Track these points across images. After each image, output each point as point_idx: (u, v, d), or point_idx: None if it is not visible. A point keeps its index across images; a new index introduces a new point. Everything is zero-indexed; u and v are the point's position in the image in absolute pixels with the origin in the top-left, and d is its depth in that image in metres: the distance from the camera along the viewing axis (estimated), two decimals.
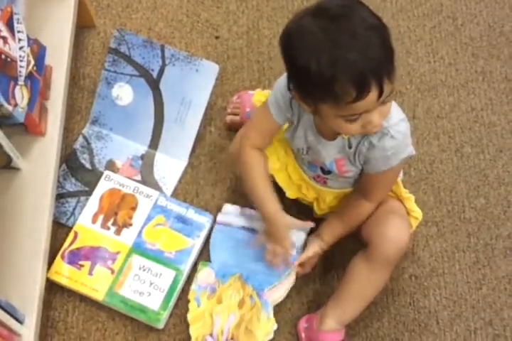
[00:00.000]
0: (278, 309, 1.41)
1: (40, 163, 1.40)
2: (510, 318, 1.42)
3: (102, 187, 1.49)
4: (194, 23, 1.72)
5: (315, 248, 1.36)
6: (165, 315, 1.39)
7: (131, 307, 1.39)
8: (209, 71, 1.55)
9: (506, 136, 1.60)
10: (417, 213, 1.36)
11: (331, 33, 1.00)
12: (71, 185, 1.52)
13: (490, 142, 1.59)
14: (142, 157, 1.56)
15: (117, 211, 1.48)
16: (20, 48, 1.33)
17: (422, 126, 1.61)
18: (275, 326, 1.37)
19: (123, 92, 1.58)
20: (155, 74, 1.57)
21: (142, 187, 1.50)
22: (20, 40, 1.33)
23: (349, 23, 1.00)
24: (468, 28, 1.73)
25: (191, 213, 1.48)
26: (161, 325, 1.39)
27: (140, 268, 1.42)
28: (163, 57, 1.57)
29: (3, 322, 1.17)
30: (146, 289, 1.41)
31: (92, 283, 1.41)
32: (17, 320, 1.23)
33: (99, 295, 1.40)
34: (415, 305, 1.44)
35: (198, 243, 1.45)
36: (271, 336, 1.37)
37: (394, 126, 1.16)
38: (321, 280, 1.45)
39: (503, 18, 1.73)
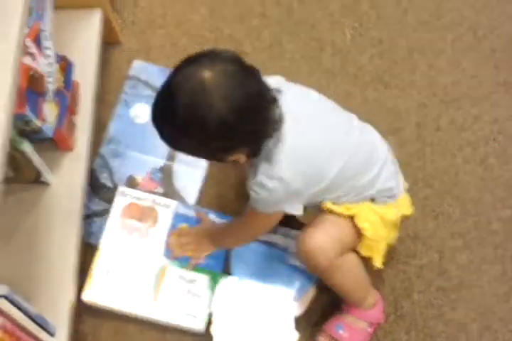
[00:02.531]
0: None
1: (68, 178, 1.42)
2: None
3: (119, 203, 1.50)
4: (217, 38, 1.73)
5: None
6: (206, 319, 1.40)
7: (170, 317, 1.40)
8: None
9: None
10: (367, 230, 1.27)
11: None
12: (96, 205, 1.53)
13: None
14: (161, 169, 1.57)
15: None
16: (48, 65, 1.35)
17: (445, 138, 1.61)
18: (297, 337, 1.39)
19: (142, 111, 1.61)
20: None
21: (159, 199, 1.51)
22: (48, 56, 1.35)
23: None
24: (490, 40, 1.73)
25: (213, 218, 1.49)
26: (202, 328, 1.40)
27: (174, 278, 1.43)
28: None
29: (34, 335, 1.18)
30: (184, 296, 1.41)
31: (128, 300, 1.42)
32: (48, 332, 1.24)
33: (138, 310, 1.41)
34: (443, 317, 1.44)
35: None
36: None
37: (255, 185, 1.18)
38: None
39: None
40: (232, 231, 1.42)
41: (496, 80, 1.68)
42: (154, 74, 1.64)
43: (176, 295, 1.42)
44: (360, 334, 1.39)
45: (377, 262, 1.33)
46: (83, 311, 1.43)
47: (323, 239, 1.26)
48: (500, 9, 1.76)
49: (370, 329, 1.40)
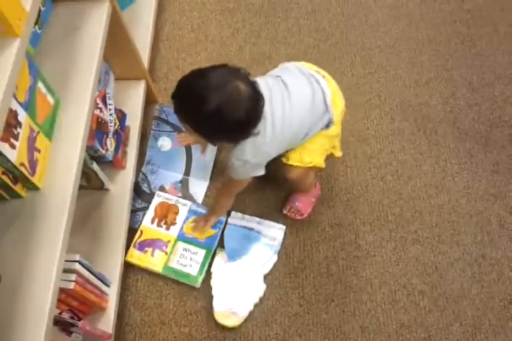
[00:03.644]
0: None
1: (121, 186, 1.42)
2: (416, 284, 1.42)
3: (156, 201, 1.51)
4: None
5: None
6: (201, 278, 1.40)
7: (178, 275, 1.40)
8: None
9: (413, 169, 1.60)
10: (321, 163, 1.28)
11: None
12: (139, 204, 1.52)
13: (403, 172, 1.60)
14: (181, 181, 1.56)
15: (166, 215, 1.49)
16: (110, 115, 1.37)
17: (359, 163, 1.61)
18: (264, 287, 1.39)
19: (164, 142, 1.59)
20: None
21: (181, 200, 1.51)
22: (110, 109, 1.37)
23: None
24: (389, 103, 1.73)
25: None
26: (198, 285, 1.39)
27: (183, 250, 1.43)
28: None
29: (97, 286, 1.19)
30: (188, 262, 1.41)
31: (154, 261, 1.42)
32: (106, 284, 1.25)
33: (158, 268, 1.41)
34: (357, 275, 1.44)
35: (219, 232, 1.46)
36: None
37: (230, 163, 1.14)
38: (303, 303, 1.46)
39: (411, 96, 1.75)
40: (220, 196, 1.39)
41: (391, 127, 1.68)
42: (170, 114, 1.60)
43: (183, 260, 1.42)
44: (308, 203, 1.47)
45: (337, 154, 1.35)
46: (128, 270, 1.43)
47: (300, 172, 1.28)
48: (396, 82, 1.78)
49: (313, 200, 1.47)
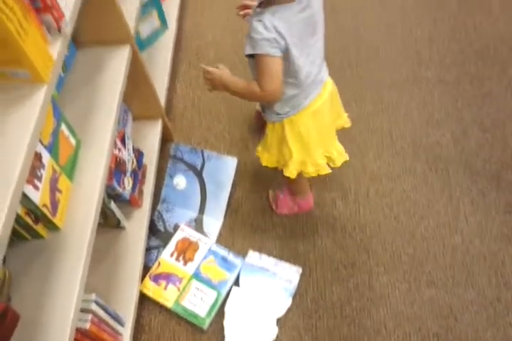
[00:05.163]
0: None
1: (137, 225, 1.43)
2: (431, 326, 1.39)
3: (178, 235, 1.51)
4: (232, 139, 1.76)
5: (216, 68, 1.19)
6: (209, 321, 1.39)
7: (188, 314, 1.40)
8: (231, 163, 1.60)
9: (426, 208, 1.60)
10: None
11: None
12: (153, 242, 1.53)
13: (416, 212, 1.60)
14: (195, 220, 1.57)
15: (186, 251, 1.49)
16: (128, 154, 1.40)
17: (372, 202, 1.61)
18: (277, 331, 1.37)
19: (180, 181, 1.61)
20: (199, 168, 1.61)
21: (203, 238, 1.51)
22: (128, 149, 1.40)
23: None
24: (400, 142, 1.74)
25: (231, 256, 1.49)
26: (206, 327, 1.38)
27: (196, 289, 1.43)
28: (203, 157, 1.62)
29: (112, 326, 1.19)
30: (198, 302, 1.41)
31: (166, 295, 1.42)
32: (120, 323, 1.24)
33: (169, 304, 1.41)
34: (371, 317, 1.41)
35: (233, 276, 1.45)
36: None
37: (256, 22, 1.03)
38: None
39: (422, 136, 1.76)
40: (249, 88, 1.12)
41: (403, 166, 1.70)
42: (186, 152, 1.63)
43: (194, 299, 1.41)
44: (288, 205, 1.53)
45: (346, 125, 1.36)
46: (142, 309, 1.42)
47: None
48: (407, 121, 1.80)
49: (295, 207, 1.51)
